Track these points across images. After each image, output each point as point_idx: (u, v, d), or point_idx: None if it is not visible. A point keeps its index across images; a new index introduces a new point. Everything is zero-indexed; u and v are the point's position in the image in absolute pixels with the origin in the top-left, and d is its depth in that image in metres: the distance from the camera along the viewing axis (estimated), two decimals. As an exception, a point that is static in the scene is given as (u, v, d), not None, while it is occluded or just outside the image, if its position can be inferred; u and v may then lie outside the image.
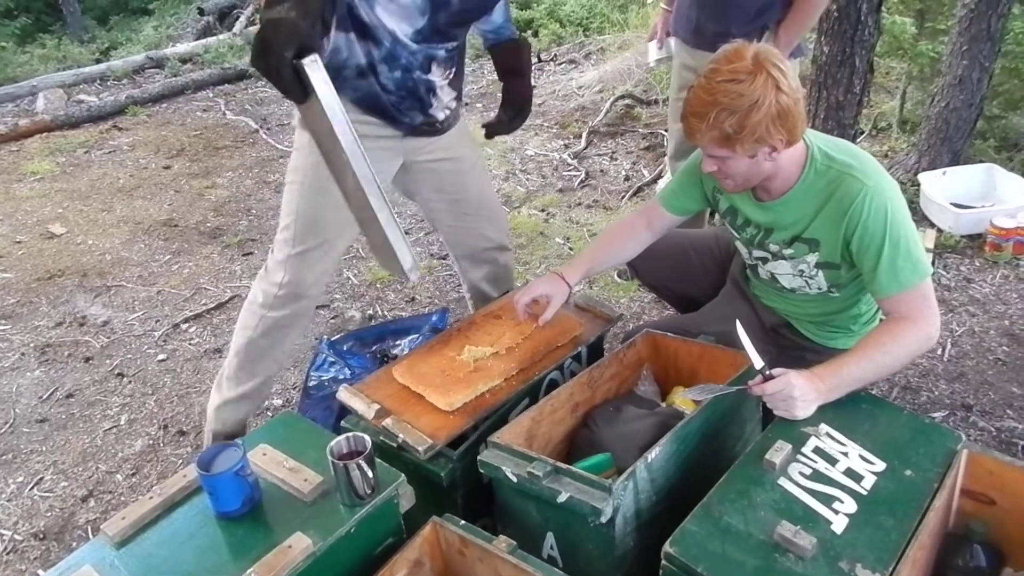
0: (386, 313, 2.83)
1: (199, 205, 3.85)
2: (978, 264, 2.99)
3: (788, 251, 1.69)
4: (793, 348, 1.85)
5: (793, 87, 1.47)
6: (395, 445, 1.55)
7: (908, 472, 1.32)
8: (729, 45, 1.52)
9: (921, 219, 3.29)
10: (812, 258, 1.66)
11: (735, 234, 1.84)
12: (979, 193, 3.37)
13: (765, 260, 1.77)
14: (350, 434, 1.31)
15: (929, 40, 3.90)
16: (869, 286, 1.59)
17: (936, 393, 2.29)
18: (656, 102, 4.63)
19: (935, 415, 2.19)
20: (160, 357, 2.70)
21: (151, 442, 2.31)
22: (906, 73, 4.15)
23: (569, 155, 4.17)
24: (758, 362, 1.49)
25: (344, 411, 1.73)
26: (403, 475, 1.34)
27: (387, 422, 1.58)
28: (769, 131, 1.46)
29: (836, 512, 1.24)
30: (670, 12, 2.73)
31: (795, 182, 1.61)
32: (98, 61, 6.41)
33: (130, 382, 2.58)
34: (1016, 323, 2.61)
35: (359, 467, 1.26)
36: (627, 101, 4.68)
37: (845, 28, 2.92)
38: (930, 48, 3.81)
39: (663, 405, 1.74)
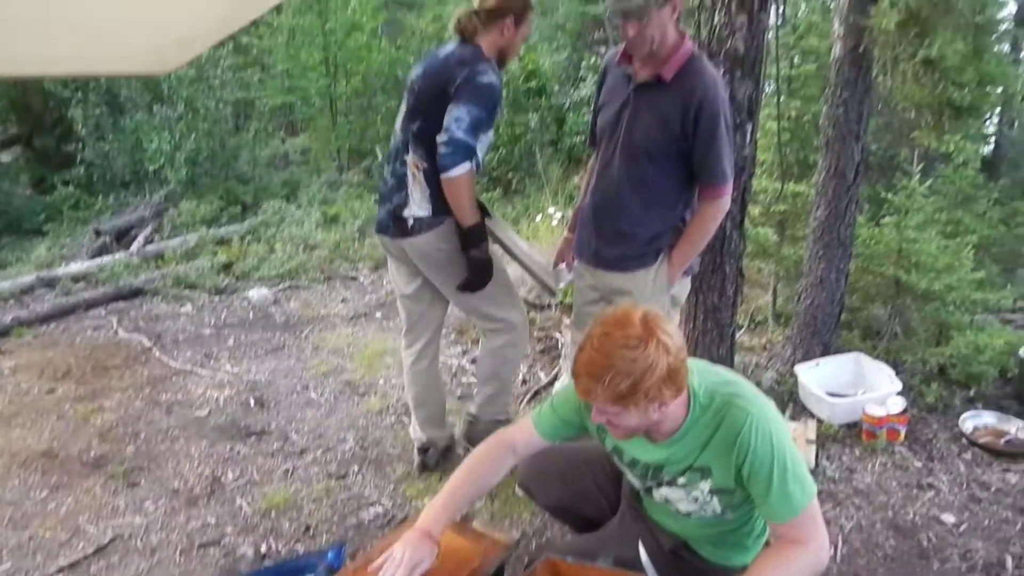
0: (280, 548, 2.70)
1: (83, 432, 3.67)
2: (858, 453, 3.15)
3: (681, 480, 1.75)
4: (693, 570, 1.87)
5: (679, 346, 1.58)
6: None
7: None
8: (617, 307, 1.64)
9: (801, 410, 3.47)
10: (706, 485, 1.72)
11: (625, 469, 1.89)
12: (850, 381, 3.61)
13: (659, 486, 1.82)
14: None
15: (790, 245, 4.32)
16: (761, 510, 1.66)
17: (834, 596, 2.33)
18: (549, 306, 4.84)
19: (836, 620, 2.22)
20: (27, 617, 2.46)
21: None
22: (775, 273, 4.53)
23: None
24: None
25: None
26: None
27: None
28: (660, 390, 1.55)
29: None
30: (573, 239, 2.93)
31: (682, 422, 1.70)
32: (-16, 283, 6.27)
33: (-10, 649, 2.33)
34: (899, 513, 2.72)
35: None
36: (522, 305, 4.87)
37: (714, 241, 3.21)
38: (792, 252, 4.20)
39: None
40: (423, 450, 3.09)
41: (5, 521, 2.96)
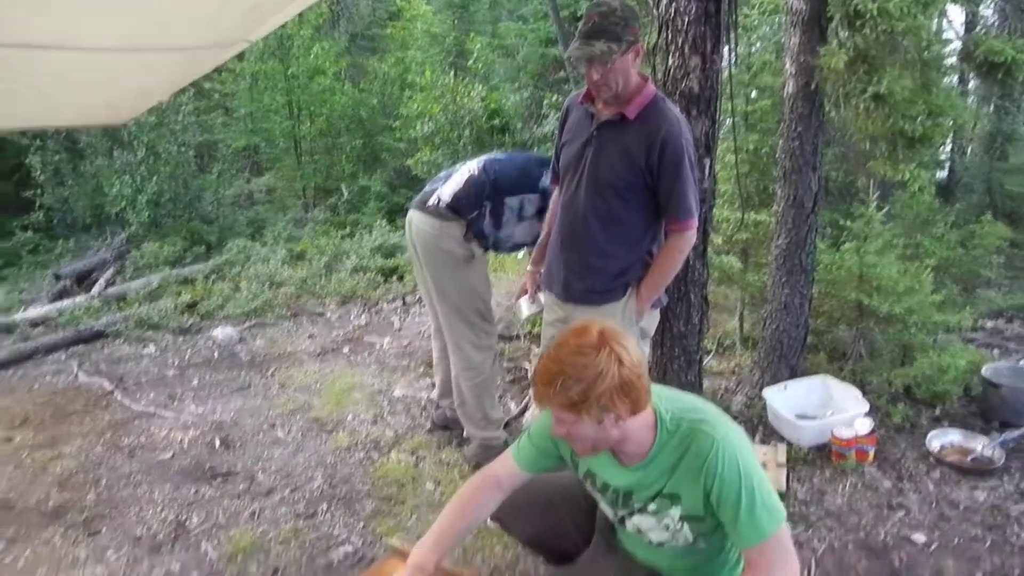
0: (248, 593, 2.64)
1: (41, 480, 3.56)
2: (828, 474, 3.16)
3: (652, 506, 1.75)
4: (667, 603, 1.85)
5: (635, 362, 1.59)
6: None
7: None
8: (578, 322, 1.66)
9: (771, 433, 3.49)
10: (675, 512, 1.72)
11: (597, 496, 1.89)
12: (818, 403, 3.64)
13: (630, 515, 1.81)
14: None
15: (754, 272, 4.37)
16: (731, 536, 1.66)
17: (809, 620, 2.32)
18: (518, 336, 4.83)
19: (812, 645, 2.20)
20: None
21: None
22: (740, 298, 4.57)
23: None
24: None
25: None
26: None
27: None
28: (613, 401, 1.57)
29: None
30: (537, 272, 2.97)
31: (650, 446, 1.70)
32: (-61, 328, 6.11)
33: None
34: (870, 534, 2.73)
35: None
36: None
37: (678, 272, 3.24)
38: (756, 279, 4.25)
39: (540, 678, 1.67)
40: (435, 407, 3.78)
41: (-42, 576, 2.86)
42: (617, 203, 2.50)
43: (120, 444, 3.89)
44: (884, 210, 4.13)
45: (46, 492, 3.44)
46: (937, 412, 3.66)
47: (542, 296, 2.96)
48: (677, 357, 3.39)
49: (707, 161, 3.11)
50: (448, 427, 3.72)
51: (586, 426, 1.62)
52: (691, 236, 2.53)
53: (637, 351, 1.63)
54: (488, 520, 2.72)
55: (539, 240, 3.03)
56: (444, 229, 3.13)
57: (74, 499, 3.37)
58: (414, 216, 3.24)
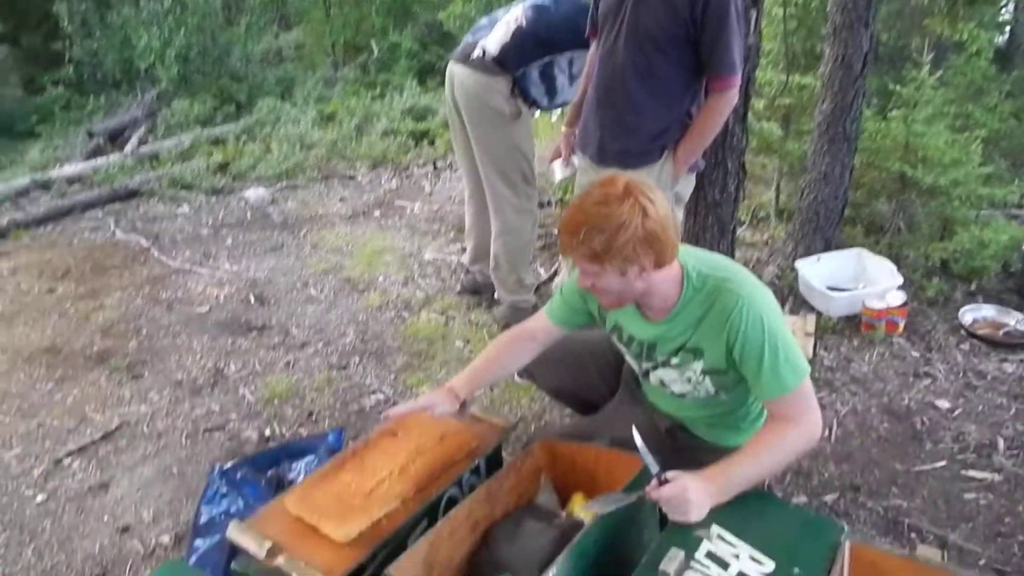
0: (284, 432, 2.75)
1: (85, 328, 3.69)
2: (856, 344, 3.16)
3: (675, 360, 1.76)
4: (688, 449, 1.89)
5: (661, 215, 1.56)
6: (289, 585, 1.49)
7: (796, 570, 1.36)
8: (605, 171, 1.63)
9: (802, 303, 3.48)
10: (698, 365, 1.73)
11: (623, 349, 1.91)
12: (851, 276, 3.59)
13: (654, 368, 1.84)
14: (235, 583, 1.25)
15: (795, 140, 4.22)
16: (754, 390, 1.67)
17: (827, 475, 2.38)
18: (550, 203, 4.79)
19: (826, 498, 2.27)
20: (39, 499, 2.52)
21: (28, 598, 2.14)
22: (778, 168, 4.45)
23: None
24: (654, 467, 1.52)
25: (236, 550, 1.66)
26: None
27: (280, 560, 1.52)
28: (636, 252, 1.55)
29: (730, 618, 1.25)
30: (572, 133, 2.87)
31: (676, 300, 1.70)
32: (-21, 185, 6.20)
33: (4, 530, 2.39)
34: (894, 399, 2.76)
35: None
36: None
37: (717, 136, 3.13)
38: (796, 147, 4.12)
39: (563, 515, 1.74)
40: (467, 273, 3.75)
41: (13, 411, 3.01)
42: (658, 57, 2.39)
43: (158, 298, 3.99)
44: (936, 75, 3.91)
45: (90, 339, 3.57)
46: (972, 287, 3.60)
47: (576, 159, 2.89)
48: (711, 226, 3.33)
49: (753, 13, 2.92)
50: (478, 291, 3.72)
51: (610, 278, 1.62)
52: (733, 96, 2.42)
53: (664, 204, 1.60)
54: (516, 376, 2.81)
55: (574, 99, 2.93)
56: (490, 84, 2.99)
57: (117, 346, 3.49)
58: (456, 70, 3.09)
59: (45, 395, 3.12)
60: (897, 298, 3.21)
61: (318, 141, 6.49)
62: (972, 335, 3.19)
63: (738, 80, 2.39)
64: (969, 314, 3.31)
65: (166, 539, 2.29)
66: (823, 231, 3.79)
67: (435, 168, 5.89)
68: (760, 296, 1.65)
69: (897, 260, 3.58)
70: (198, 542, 1.96)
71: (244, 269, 4.27)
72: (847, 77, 3.51)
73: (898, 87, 3.87)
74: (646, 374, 1.90)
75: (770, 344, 1.59)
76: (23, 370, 3.33)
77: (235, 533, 1.62)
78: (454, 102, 3.17)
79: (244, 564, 1.58)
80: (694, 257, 1.74)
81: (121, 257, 4.57)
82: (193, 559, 1.95)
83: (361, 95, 7.77)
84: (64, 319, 3.81)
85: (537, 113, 3.46)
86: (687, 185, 2.73)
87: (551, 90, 3.08)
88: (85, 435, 2.82)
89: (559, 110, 3.54)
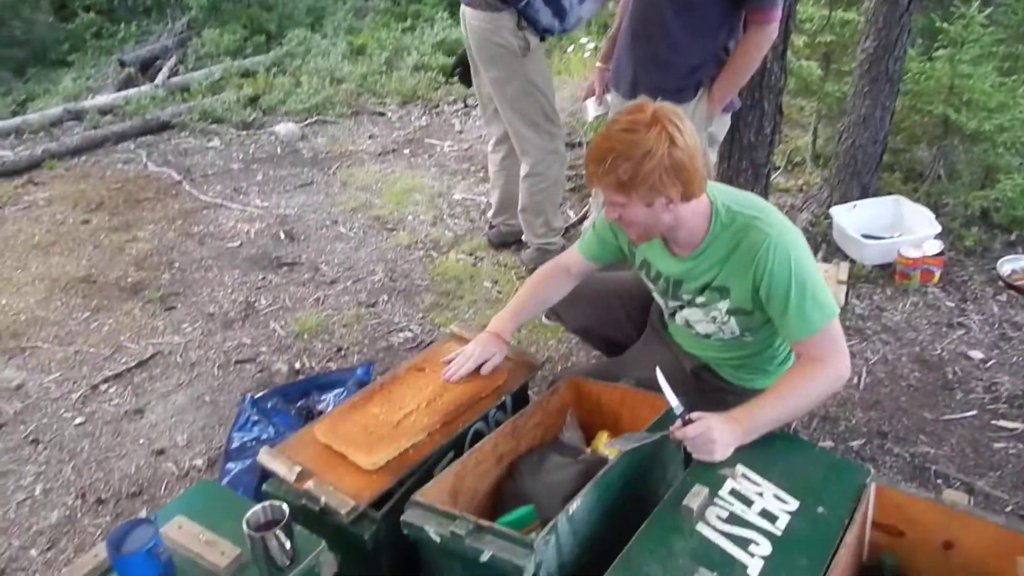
0: (313, 365, 2.79)
1: (119, 260, 3.75)
2: (889, 293, 3.12)
3: (700, 299, 1.75)
4: (714, 391, 1.89)
5: (689, 144, 1.53)
6: (318, 509, 1.52)
7: (820, 509, 1.36)
8: (635, 101, 1.59)
9: (835, 251, 3.42)
10: (723, 305, 1.72)
11: (651, 285, 1.89)
12: (888, 224, 3.52)
13: (680, 308, 1.83)
14: (267, 503, 1.28)
15: (835, 81, 4.09)
16: (780, 330, 1.65)
17: (854, 422, 2.37)
18: (580, 144, 4.72)
19: (853, 444, 2.27)
20: (78, 421, 2.60)
21: (68, 513, 2.22)
22: (816, 111, 4.33)
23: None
24: (677, 407, 1.52)
25: (266, 474, 1.70)
26: (323, 542, 1.32)
27: (309, 484, 1.55)
28: (663, 181, 1.52)
29: (752, 555, 1.27)
30: (606, 70, 2.80)
31: (703, 236, 1.68)
32: (14, 114, 6.21)
33: (45, 448, 2.48)
34: (926, 349, 2.73)
35: (276, 537, 1.23)
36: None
37: (754, 75, 3.05)
38: (836, 89, 4.00)
39: (588, 452, 1.76)
40: (491, 227, 3.69)
41: (51, 338, 3.09)
42: None
43: (190, 231, 4.03)
44: (986, 12, 3.75)
45: (124, 270, 3.63)
46: (1013, 237, 3.50)
47: (609, 97, 2.83)
48: (744, 170, 3.27)
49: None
50: (505, 244, 3.67)
51: (636, 209, 1.59)
52: (772, 31, 2.34)
53: (692, 134, 1.56)
54: (544, 317, 2.81)
55: (609, 32, 2.86)
56: (495, 20, 2.92)
57: (150, 278, 3.55)
58: (466, 12, 3.03)
59: (81, 323, 3.20)
60: (934, 247, 3.14)
61: (348, 75, 6.41)
62: (1010, 286, 3.13)
63: (779, 14, 2.31)
64: (1008, 264, 3.23)
65: (199, 462, 2.36)
66: (860, 177, 3.70)
67: (465, 106, 5.81)
68: (789, 235, 1.62)
69: (936, 208, 3.49)
70: (230, 465, 2.02)
71: (274, 205, 4.29)
72: (892, 12, 3.37)
73: (945, 24, 3.72)
74: (672, 314, 1.89)
75: (797, 283, 1.57)
76: (60, 299, 3.40)
77: (266, 458, 1.66)
78: (469, 47, 3.12)
79: (275, 486, 1.62)
80: (724, 193, 1.71)
81: (153, 190, 4.61)
82: (226, 480, 2.01)
83: (392, 27, 7.64)
84: (99, 250, 3.87)
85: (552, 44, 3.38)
86: (722, 125, 2.67)
87: (559, 11, 2.96)
88: (120, 363, 2.89)
89: (593, 45, 3.45)
